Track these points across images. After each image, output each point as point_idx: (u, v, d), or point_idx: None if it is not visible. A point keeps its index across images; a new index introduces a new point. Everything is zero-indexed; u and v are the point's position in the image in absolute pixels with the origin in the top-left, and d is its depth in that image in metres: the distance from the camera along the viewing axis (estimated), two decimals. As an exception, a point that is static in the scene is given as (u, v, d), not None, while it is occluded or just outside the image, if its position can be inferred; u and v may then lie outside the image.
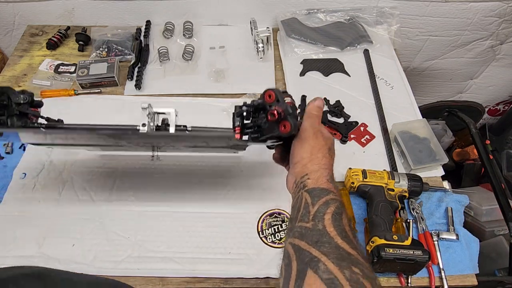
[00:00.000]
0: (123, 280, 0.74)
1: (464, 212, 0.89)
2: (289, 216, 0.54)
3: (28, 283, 0.34)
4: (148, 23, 1.27)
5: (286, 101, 0.56)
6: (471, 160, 1.61)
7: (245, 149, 0.75)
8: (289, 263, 0.45)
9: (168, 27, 1.25)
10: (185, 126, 0.66)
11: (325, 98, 1.08)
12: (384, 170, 0.87)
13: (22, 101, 0.60)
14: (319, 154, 0.56)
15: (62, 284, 0.36)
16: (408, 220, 0.83)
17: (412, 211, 0.87)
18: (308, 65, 1.19)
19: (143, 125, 0.61)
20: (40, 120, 0.65)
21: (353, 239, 0.46)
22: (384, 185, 0.83)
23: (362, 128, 1.04)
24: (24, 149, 0.93)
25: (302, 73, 1.17)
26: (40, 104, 0.65)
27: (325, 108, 1.06)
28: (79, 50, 1.20)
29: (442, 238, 0.82)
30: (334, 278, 0.39)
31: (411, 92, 1.13)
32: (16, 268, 0.37)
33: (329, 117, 1.05)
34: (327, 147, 0.58)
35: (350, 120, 1.05)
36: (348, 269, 0.40)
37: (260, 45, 1.17)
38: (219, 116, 1.03)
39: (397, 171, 0.92)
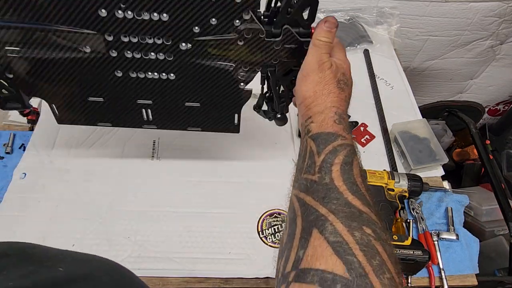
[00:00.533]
0: (123, 280, 0.74)
1: (464, 212, 0.89)
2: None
3: (10, 261, 0.30)
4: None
5: None
6: (471, 160, 1.61)
7: (253, 73, 0.60)
8: (294, 218, 0.41)
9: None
10: None
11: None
12: (384, 170, 0.87)
13: None
14: (324, 91, 0.49)
15: (47, 262, 0.33)
16: (408, 220, 0.83)
17: (412, 211, 0.87)
18: (308, 65, 1.19)
19: None
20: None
21: (365, 193, 0.41)
22: (384, 185, 0.83)
23: (362, 128, 1.04)
24: (24, 149, 0.93)
25: (302, 73, 1.17)
26: None
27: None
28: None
29: (442, 238, 0.82)
30: (342, 242, 0.35)
31: (411, 92, 1.13)
32: None
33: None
34: (336, 79, 0.50)
35: (350, 120, 1.05)
36: (359, 230, 0.36)
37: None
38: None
39: (397, 171, 0.91)
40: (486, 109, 1.77)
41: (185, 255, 0.79)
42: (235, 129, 0.71)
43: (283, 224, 0.83)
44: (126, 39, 0.55)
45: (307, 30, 0.55)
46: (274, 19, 0.55)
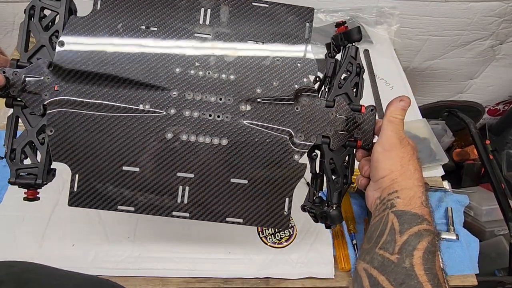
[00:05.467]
0: (122, 280, 0.74)
1: (464, 212, 0.89)
2: (365, 235, 0.47)
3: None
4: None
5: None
6: (471, 160, 1.61)
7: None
8: None
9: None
10: None
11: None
12: (384, 170, 0.87)
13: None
14: (410, 167, 0.49)
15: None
16: (408, 220, 0.83)
17: (412, 211, 0.86)
18: (308, 65, 1.19)
19: None
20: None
21: None
22: (384, 185, 0.83)
23: (362, 128, 1.04)
24: (24, 149, 0.93)
25: (302, 73, 1.17)
26: None
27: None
28: (79, 50, 1.20)
29: (442, 238, 0.82)
30: None
31: (411, 92, 1.13)
32: None
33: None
34: (415, 156, 0.50)
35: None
36: None
37: (260, 45, 1.17)
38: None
39: (397, 171, 0.91)
40: (486, 109, 1.77)
41: (185, 255, 0.79)
42: (283, 221, 0.60)
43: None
44: (190, 96, 0.58)
45: (357, 105, 0.60)
46: (327, 92, 0.61)
